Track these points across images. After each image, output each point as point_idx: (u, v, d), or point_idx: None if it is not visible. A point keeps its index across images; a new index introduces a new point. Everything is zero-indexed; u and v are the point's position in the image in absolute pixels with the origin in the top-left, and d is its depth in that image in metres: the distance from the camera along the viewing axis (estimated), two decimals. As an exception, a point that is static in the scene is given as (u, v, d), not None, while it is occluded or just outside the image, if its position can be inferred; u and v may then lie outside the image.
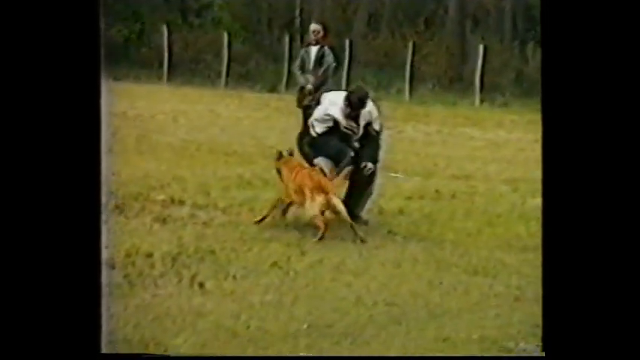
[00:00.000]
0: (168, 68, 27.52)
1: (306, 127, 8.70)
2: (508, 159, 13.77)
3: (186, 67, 27.83)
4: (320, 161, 8.22)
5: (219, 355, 5.07)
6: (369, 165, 8.22)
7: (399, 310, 5.99)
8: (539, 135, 4.51)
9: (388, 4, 31.02)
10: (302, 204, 7.95)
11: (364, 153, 8.24)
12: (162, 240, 7.42)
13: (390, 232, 8.17)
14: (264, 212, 8.21)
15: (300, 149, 8.49)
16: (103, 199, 4.48)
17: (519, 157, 13.75)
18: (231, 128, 15.88)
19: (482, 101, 24.43)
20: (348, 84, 22.40)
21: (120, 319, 5.44)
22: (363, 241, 7.66)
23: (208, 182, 10.00)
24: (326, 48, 12.66)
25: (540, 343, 4.70)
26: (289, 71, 26.64)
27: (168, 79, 26.95)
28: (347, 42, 25.80)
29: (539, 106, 4.54)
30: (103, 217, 7.69)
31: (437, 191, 10.26)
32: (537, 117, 4.61)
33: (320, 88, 11.79)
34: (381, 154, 8.47)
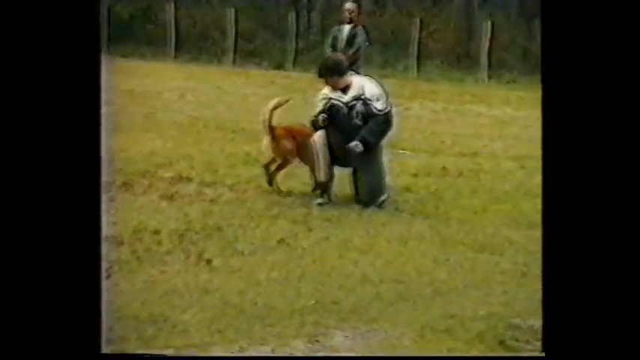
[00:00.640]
0: (174, 45, 27.46)
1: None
2: (515, 136, 13.76)
3: (193, 45, 27.76)
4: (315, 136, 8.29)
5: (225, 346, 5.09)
6: (354, 144, 8.17)
7: (405, 287, 6.01)
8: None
9: (395, -19, 30.91)
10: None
11: (363, 130, 8.21)
12: (169, 217, 7.44)
13: (396, 209, 8.19)
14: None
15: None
16: (110, 177, 4.48)
17: (526, 134, 13.72)
18: (237, 105, 15.87)
19: (489, 78, 24.38)
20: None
21: (128, 295, 5.47)
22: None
23: (215, 159, 10.01)
24: (359, 28, 12.67)
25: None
26: (296, 49, 26.62)
27: (175, 57, 26.89)
28: (353, 19, 25.71)
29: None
30: (110, 194, 7.72)
31: (443, 168, 10.26)
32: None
33: (351, 67, 11.79)
34: (391, 134, 8.46)
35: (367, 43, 12.72)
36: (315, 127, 8.37)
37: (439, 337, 5.16)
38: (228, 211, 7.79)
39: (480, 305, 5.65)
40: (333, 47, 12.66)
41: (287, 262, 6.40)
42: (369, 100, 8.25)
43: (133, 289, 5.64)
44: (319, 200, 8.21)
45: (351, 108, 8.26)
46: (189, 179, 8.89)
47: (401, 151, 10.82)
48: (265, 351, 4.88)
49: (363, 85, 8.33)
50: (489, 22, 25.37)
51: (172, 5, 28.13)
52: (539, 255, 4.49)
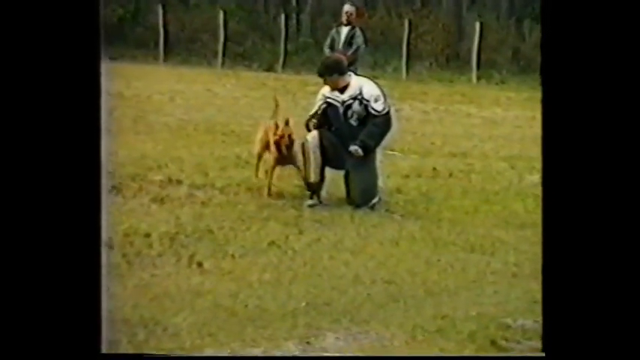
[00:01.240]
0: (164, 48, 27.44)
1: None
2: (505, 136, 13.77)
3: (183, 47, 27.75)
4: (309, 136, 8.29)
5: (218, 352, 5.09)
6: (354, 149, 8.17)
7: (396, 288, 6.01)
8: (536, 112, 4.52)
9: (384, -18, 30.94)
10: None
11: (363, 133, 8.22)
12: (160, 220, 7.43)
13: (387, 210, 8.19)
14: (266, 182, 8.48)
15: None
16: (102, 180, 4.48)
17: (516, 135, 13.75)
18: (228, 108, 15.86)
19: (479, 79, 24.42)
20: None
21: (119, 299, 5.46)
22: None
23: (206, 162, 10.00)
24: (357, 29, 12.72)
25: (539, 319, 4.71)
26: (286, 51, 26.62)
27: (165, 59, 26.88)
28: (343, 20, 25.73)
29: (536, 84, 4.56)
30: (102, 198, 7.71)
31: (434, 169, 10.26)
32: (534, 94, 4.63)
33: (349, 67, 11.80)
34: (389, 137, 8.48)
35: (364, 45, 12.76)
36: (308, 129, 8.37)
37: (431, 337, 5.16)
38: (219, 213, 7.78)
39: (471, 306, 5.65)
40: (331, 48, 12.70)
41: (278, 264, 6.40)
42: (367, 100, 8.24)
43: (123, 292, 5.63)
44: (309, 202, 8.21)
45: (347, 107, 8.26)
46: (179, 182, 8.88)
47: (391, 153, 10.82)
48: (257, 353, 4.87)
49: (361, 85, 8.32)
50: (478, 23, 25.40)
51: (162, 8, 28.12)
52: (530, 255, 4.50)
